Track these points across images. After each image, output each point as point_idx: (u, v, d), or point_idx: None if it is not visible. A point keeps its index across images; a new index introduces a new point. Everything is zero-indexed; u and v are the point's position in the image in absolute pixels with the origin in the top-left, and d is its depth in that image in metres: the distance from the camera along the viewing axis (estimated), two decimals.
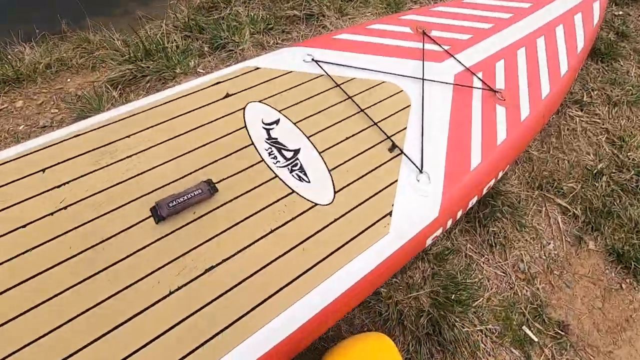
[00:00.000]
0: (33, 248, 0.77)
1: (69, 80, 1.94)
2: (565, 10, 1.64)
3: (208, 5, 2.03)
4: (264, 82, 1.17)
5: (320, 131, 1.08)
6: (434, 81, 1.26)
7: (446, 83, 1.27)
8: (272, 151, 1.02)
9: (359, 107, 1.15)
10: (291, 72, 1.22)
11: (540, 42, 1.50)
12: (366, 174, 1.02)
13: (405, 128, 1.14)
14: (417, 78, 1.26)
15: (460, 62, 1.35)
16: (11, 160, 0.89)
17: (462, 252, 1.21)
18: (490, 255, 1.23)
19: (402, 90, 1.23)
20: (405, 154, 1.06)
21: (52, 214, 0.82)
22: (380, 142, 1.09)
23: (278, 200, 0.92)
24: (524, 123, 1.23)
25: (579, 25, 1.59)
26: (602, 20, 1.68)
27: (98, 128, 0.98)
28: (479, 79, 1.31)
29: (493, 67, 1.38)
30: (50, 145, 0.93)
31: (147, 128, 1.00)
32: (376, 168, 1.03)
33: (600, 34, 2.02)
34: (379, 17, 1.96)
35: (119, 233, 0.82)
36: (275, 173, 0.97)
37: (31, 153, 0.91)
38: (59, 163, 0.90)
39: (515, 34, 1.52)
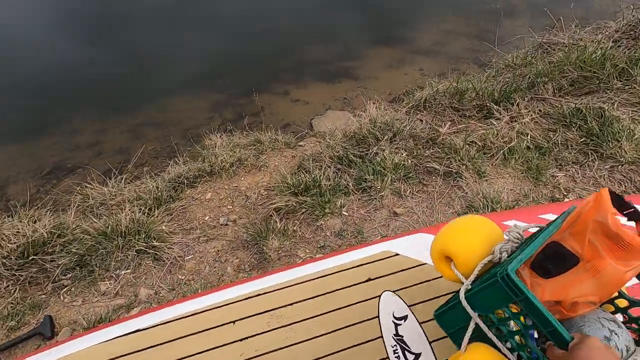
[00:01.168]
0: None
1: (242, 178, 2.51)
2: None
3: (358, 137, 2.41)
4: (401, 271, 1.39)
5: (441, 338, 1.23)
6: None
7: None
8: (396, 349, 1.20)
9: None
10: (425, 264, 1.40)
11: None
12: None
13: None
14: None
15: None
16: (211, 309, 1.28)
17: None
18: None
19: None
20: None
21: None
22: None
23: None
24: None
25: None
26: None
27: (272, 291, 1.32)
28: None
29: None
30: (240, 300, 1.30)
31: (303, 300, 1.30)
32: None
33: None
34: (516, 180, 2.02)
35: None
36: None
37: (227, 305, 1.29)
38: (243, 318, 1.26)
39: None
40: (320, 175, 2.06)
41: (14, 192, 3.24)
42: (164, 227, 1.96)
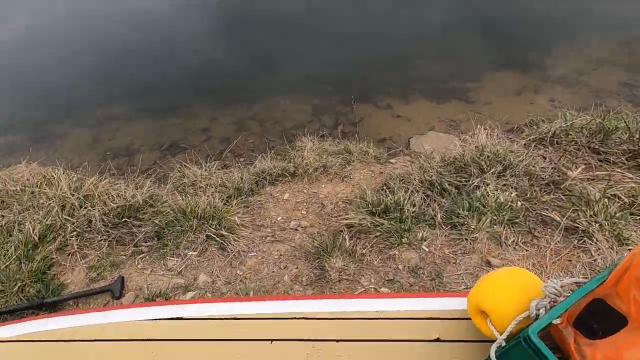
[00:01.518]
0: None
1: (322, 185, 2.40)
2: None
3: (459, 164, 2.09)
4: (482, 341, 1.08)
5: None
6: None
7: None
8: None
9: None
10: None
11: None
12: None
13: None
14: None
15: None
16: (254, 319, 1.17)
17: None
18: None
19: None
20: None
21: None
22: None
23: None
24: None
25: None
26: None
27: (320, 319, 1.15)
28: None
29: None
30: (285, 318, 1.16)
31: (353, 340, 1.10)
32: None
33: None
34: None
35: None
36: None
37: (270, 319, 1.17)
38: (282, 340, 1.12)
39: None
40: (405, 199, 1.82)
41: (139, 160, 3.73)
42: (236, 219, 1.96)
